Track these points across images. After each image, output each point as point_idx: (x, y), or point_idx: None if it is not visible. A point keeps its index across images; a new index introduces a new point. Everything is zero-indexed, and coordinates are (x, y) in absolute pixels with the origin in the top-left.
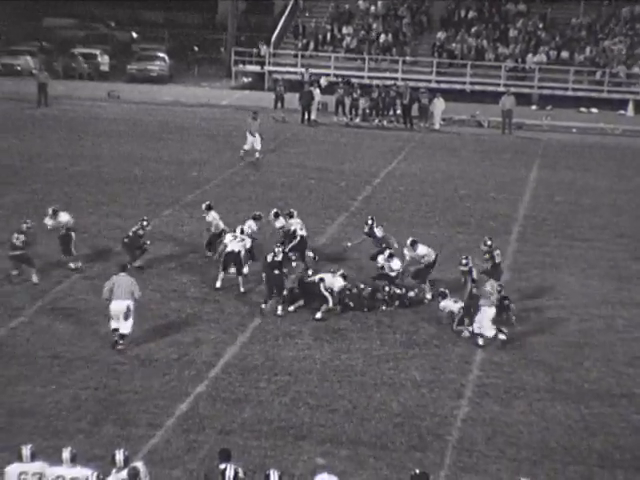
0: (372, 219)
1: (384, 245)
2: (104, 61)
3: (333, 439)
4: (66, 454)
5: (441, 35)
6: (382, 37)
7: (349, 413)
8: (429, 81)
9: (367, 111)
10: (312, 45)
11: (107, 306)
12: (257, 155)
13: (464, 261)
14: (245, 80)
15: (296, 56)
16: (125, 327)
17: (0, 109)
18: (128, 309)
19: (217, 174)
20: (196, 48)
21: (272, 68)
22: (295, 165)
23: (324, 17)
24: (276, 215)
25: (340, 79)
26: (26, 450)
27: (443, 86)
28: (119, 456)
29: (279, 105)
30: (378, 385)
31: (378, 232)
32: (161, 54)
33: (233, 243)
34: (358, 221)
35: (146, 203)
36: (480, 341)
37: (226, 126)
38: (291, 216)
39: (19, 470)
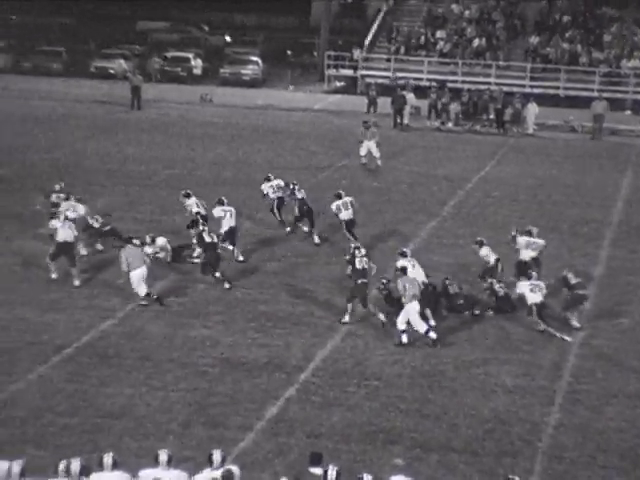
0: (294, 184)
1: (305, 207)
2: (197, 64)
3: (423, 444)
4: (163, 456)
5: (535, 39)
6: (475, 41)
7: (439, 418)
8: (522, 86)
9: (460, 115)
10: (405, 49)
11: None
12: (378, 162)
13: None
14: (338, 84)
15: (389, 60)
16: (144, 289)
17: (94, 112)
18: (146, 274)
19: (309, 178)
20: (289, 52)
21: (365, 72)
22: (387, 169)
23: (417, 21)
24: (187, 195)
25: (434, 83)
26: (108, 458)
27: (536, 91)
28: (216, 456)
29: (371, 109)
30: (468, 390)
31: (298, 194)
32: (254, 58)
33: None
34: (450, 226)
35: (238, 206)
36: (404, 338)
37: (318, 130)
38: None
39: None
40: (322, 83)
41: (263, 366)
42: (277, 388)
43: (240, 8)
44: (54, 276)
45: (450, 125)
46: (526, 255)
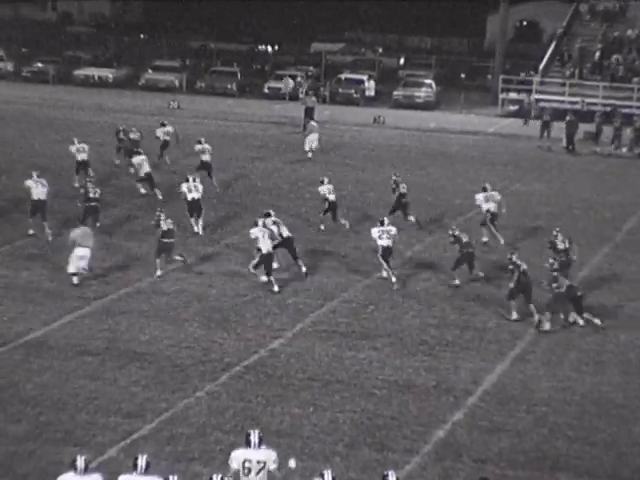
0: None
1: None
2: (370, 86)
3: (591, 472)
4: (328, 476)
5: None
6: None
7: (608, 447)
8: None
9: (633, 141)
10: (579, 73)
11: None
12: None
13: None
14: (511, 108)
15: (563, 84)
16: None
17: (266, 133)
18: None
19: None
20: (463, 75)
21: (539, 96)
22: (560, 194)
23: (593, 45)
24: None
25: (607, 108)
26: (254, 436)
27: None
28: (392, 478)
29: (545, 134)
30: (638, 419)
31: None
32: (428, 80)
33: None
34: (622, 252)
35: (415, 228)
36: (75, 280)
37: (491, 154)
38: None
39: (244, 457)
40: (495, 107)
41: (431, 389)
42: (444, 412)
43: (415, 31)
44: None
45: (624, 150)
46: None
